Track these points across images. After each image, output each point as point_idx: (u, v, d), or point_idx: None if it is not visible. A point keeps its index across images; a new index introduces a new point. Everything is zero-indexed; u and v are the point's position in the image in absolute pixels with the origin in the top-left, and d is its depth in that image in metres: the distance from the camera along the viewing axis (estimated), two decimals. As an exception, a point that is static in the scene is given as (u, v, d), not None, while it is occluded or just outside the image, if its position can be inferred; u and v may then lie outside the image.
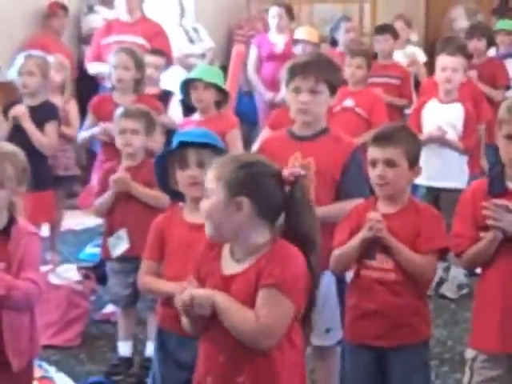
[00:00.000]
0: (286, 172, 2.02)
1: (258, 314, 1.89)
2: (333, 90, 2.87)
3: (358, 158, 2.95)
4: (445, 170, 4.44)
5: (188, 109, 4.49)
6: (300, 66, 2.89)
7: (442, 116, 4.36)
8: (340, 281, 2.98)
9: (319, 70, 2.86)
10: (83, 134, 4.41)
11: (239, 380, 1.99)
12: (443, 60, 4.25)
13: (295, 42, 5.93)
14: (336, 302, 2.99)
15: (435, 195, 4.50)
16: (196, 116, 4.01)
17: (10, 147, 2.76)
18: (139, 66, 4.31)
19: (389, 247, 2.58)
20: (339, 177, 2.87)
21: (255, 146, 3.78)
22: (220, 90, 3.98)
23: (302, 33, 6.02)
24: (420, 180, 4.11)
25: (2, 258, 2.58)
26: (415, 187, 4.40)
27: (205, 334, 2.07)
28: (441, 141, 4.21)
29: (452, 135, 4.26)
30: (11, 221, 2.67)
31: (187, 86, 3.99)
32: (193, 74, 4.17)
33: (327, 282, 2.90)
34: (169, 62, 5.26)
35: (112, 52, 4.46)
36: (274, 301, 1.89)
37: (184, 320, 2.08)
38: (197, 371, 2.14)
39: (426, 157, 4.37)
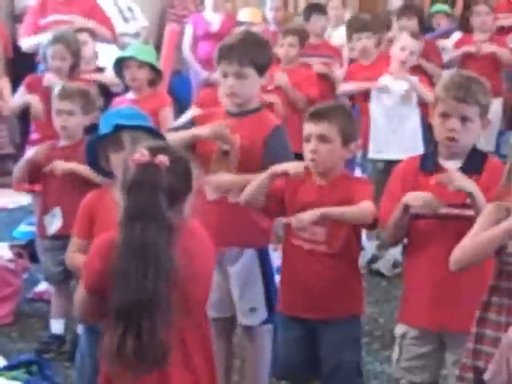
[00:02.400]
0: None
1: None
2: (261, 70, 2.92)
3: (280, 133, 3.02)
4: (400, 143, 4.59)
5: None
6: (225, 50, 2.95)
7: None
8: (263, 261, 3.05)
9: (244, 53, 2.91)
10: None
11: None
12: (405, 40, 4.40)
13: (240, 24, 5.98)
14: (260, 282, 3.03)
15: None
16: (130, 94, 4.08)
17: None
18: (75, 53, 4.38)
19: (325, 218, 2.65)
20: (262, 151, 2.94)
21: (181, 121, 3.74)
22: (153, 69, 4.02)
23: (245, 14, 6.16)
24: (374, 155, 4.63)
25: None
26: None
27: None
28: (412, 86, 4.33)
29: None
30: None
31: (121, 64, 4.02)
32: (126, 53, 4.19)
33: (249, 261, 2.97)
34: (113, 36, 5.25)
35: (49, 37, 4.45)
36: None
37: None
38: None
39: (378, 131, 4.78)
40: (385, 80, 4.45)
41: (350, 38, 5.17)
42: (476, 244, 2.25)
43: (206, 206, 2.84)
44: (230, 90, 2.93)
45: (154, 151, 2.11)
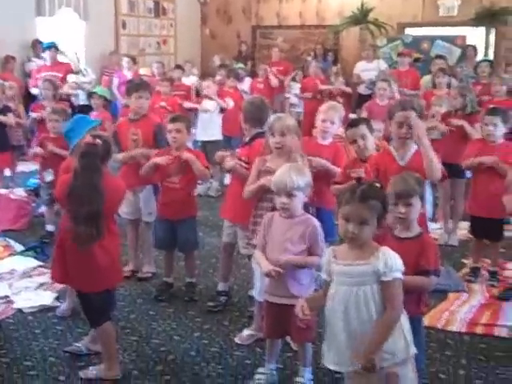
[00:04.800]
0: None
1: None
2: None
3: (161, 128, 4.95)
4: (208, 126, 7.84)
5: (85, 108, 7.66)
6: (133, 87, 5.16)
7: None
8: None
9: (142, 86, 5.15)
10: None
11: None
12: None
13: (140, 75, 9.57)
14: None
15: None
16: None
17: None
18: (55, 87, 7.07)
19: None
20: (153, 139, 5.02)
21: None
22: (105, 99, 7.08)
23: (143, 70, 10.55)
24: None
25: None
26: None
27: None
28: None
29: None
30: None
31: (90, 96, 7.29)
32: (96, 90, 7.37)
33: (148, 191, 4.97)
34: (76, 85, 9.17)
35: (41, 81, 7.36)
36: None
37: None
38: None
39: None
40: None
41: None
42: None
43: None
44: (137, 106, 5.01)
45: (94, 136, 3.48)
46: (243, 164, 4.27)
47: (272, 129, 3.90)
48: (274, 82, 10.61)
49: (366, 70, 10.91)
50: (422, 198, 3.26)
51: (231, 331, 4.30)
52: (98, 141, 3.43)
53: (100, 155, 3.43)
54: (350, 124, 4.41)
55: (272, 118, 4.08)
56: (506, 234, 5.27)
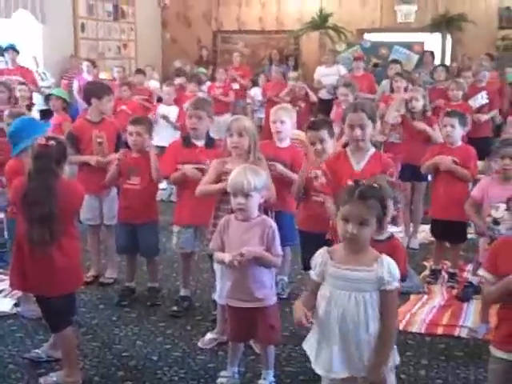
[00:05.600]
0: None
1: None
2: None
3: (122, 132, 5.11)
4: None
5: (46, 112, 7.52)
6: (96, 89, 5.21)
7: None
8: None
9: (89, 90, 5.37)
10: None
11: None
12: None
13: (101, 79, 9.53)
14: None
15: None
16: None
17: None
18: (10, 90, 6.57)
19: None
20: (115, 139, 5.19)
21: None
22: (64, 100, 6.82)
23: (103, 74, 10.54)
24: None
25: None
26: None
27: None
28: None
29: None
30: None
31: (48, 98, 6.99)
32: (53, 92, 7.23)
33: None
34: (36, 89, 8.85)
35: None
36: None
37: None
38: None
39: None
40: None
41: None
42: None
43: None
44: (107, 108, 5.18)
45: (48, 139, 3.44)
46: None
47: (230, 130, 3.93)
48: (231, 96, 10.33)
49: (326, 75, 10.98)
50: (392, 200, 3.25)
51: (194, 335, 4.29)
52: (52, 142, 3.39)
53: (54, 157, 3.40)
54: (311, 126, 4.44)
55: (230, 119, 4.10)
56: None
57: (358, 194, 2.70)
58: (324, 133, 4.34)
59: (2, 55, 9.59)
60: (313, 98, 9.53)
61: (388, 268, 2.72)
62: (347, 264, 2.76)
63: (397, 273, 2.74)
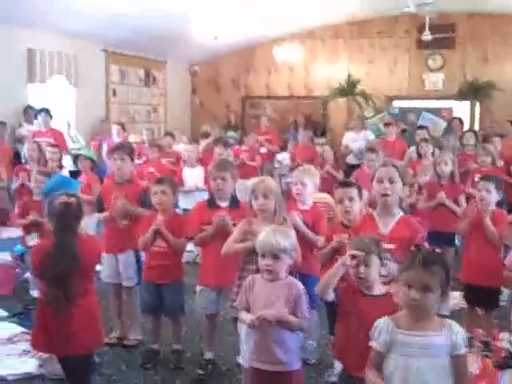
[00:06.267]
0: None
1: None
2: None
3: (146, 192, 4.87)
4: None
5: (75, 174, 7.60)
6: (117, 148, 5.09)
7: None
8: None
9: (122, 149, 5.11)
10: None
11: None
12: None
13: (130, 142, 9.45)
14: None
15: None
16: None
17: None
18: (41, 150, 7.22)
19: None
20: (138, 203, 4.95)
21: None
22: (92, 161, 7.27)
23: (132, 137, 10.61)
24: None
25: None
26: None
27: None
28: None
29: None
30: None
31: (76, 159, 7.50)
32: (82, 152, 7.69)
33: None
34: (66, 151, 8.97)
35: (27, 144, 7.56)
36: None
37: None
38: None
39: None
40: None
41: None
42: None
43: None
44: (116, 168, 4.95)
45: (68, 196, 3.47)
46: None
47: (255, 191, 3.88)
48: (258, 160, 10.26)
49: (355, 140, 11.00)
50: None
51: (218, 400, 4.16)
52: (73, 199, 3.41)
53: (75, 215, 3.42)
54: (341, 183, 4.38)
55: (255, 180, 4.05)
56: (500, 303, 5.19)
57: (421, 259, 2.63)
58: (354, 191, 4.28)
59: (36, 118, 9.82)
60: (338, 176, 9.27)
61: (458, 332, 2.65)
62: (417, 330, 2.66)
63: (464, 336, 2.67)
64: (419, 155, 8.10)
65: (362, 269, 3.08)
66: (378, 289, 3.15)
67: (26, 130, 9.89)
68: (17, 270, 6.65)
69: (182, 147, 10.40)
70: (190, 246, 6.73)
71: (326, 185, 5.22)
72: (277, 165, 11.16)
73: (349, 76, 13.53)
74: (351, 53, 14.20)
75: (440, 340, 2.62)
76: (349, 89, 13.37)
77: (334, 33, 14.26)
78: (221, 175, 4.44)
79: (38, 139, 8.65)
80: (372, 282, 3.13)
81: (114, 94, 12.62)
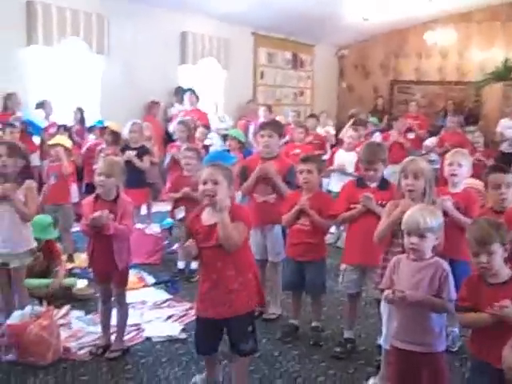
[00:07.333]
0: None
1: None
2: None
3: (293, 168, 4.92)
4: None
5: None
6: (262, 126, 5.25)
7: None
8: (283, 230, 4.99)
9: None
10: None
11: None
12: None
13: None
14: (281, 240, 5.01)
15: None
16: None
17: (119, 160, 4.40)
18: (189, 129, 7.41)
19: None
20: (284, 179, 5.01)
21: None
22: (240, 141, 7.50)
23: (279, 119, 10.27)
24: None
25: (113, 214, 3.92)
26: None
27: None
28: None
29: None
30: (117, 195, 4.05)
31: (225, 139, 8.14)
32: (230, 132, 8.07)
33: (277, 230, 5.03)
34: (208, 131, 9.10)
35: (176, 123, 7.92)
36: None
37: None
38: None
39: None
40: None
41: None
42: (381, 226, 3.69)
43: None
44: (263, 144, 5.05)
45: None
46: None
47: (405, 171, 3.79)
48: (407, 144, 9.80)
49: (510, 127, 10.44)
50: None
51: (357, 379, 4.13)
52: None
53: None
54: (496, 168, 4.16)
55: (406, 160, 3.95)
56: None
57: None
58: (511, 177, 4.06)
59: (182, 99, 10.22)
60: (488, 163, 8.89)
61: None
62: None
63: None
64: None
65: (484, 259, 2.94)
66: (506, 273, 2.99)
67: (176, 109, 10.35)
68: (165, 242, 6.91)
69: (327, 130, 10.40)
70: (332, 229, 6.71)
71: (476, 171, 4.98)
72: (424, 150, 10.78)
73: (506, 60, 12.85)
74: (508, 36, 13.46)
75: None
76: (505, 73, 12.70)
77: (490, 15, 13.58)
78: (376, 159, 4.35)
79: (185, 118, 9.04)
80: (497, 271, 2.98)
81: (262, 76, 12.77)
